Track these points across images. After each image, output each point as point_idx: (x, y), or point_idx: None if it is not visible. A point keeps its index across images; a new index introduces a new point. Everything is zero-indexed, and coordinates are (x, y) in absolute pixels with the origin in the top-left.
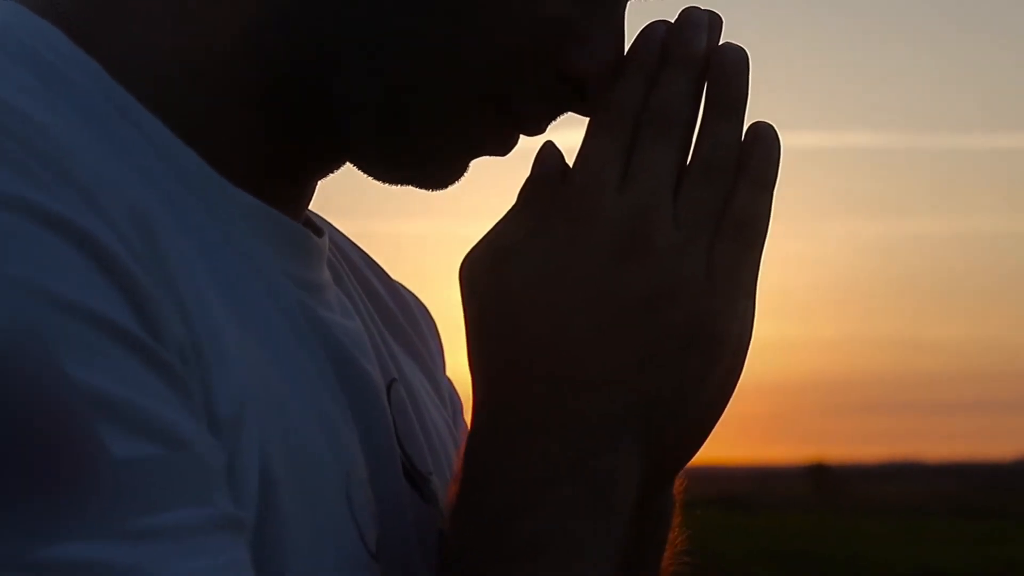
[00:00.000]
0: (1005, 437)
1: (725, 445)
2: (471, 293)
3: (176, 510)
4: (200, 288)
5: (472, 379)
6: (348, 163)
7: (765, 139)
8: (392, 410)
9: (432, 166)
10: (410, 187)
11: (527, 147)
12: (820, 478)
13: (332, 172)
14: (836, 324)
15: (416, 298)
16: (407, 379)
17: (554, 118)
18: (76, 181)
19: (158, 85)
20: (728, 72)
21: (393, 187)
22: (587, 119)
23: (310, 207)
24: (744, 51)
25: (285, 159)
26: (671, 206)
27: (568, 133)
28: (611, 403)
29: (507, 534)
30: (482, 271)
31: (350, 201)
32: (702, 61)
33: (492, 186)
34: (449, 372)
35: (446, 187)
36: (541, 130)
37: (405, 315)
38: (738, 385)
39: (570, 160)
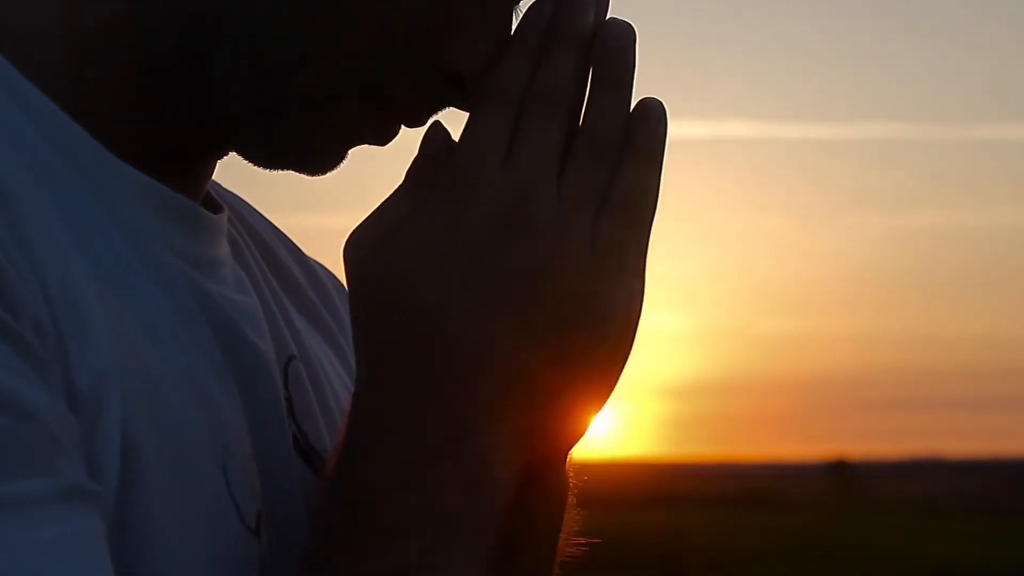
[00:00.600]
0: None
1: (745, 442)
2: (354, 269)
3: (19, 481)
4: (65, 262)
5: (356, 357)
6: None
7: (651, 115)
8: (288, 387)
9: (309, 154)
10: (291, 172)
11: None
12: (841, 475)
13: (227, 153)
14: (856, 319)
15: (331, 275)
16: (310, 356)
17: (435, 112)
18: None
19: (41, 57)
20: (613, 48)
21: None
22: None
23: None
24: (630, 26)
25: (173, 137)
26: (554, 183)
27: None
28: (487, 379)
29: (378, 510)
30: (364, 249)
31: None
32: (588, 38)
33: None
34: None
35: (325, 173)
36: (422, 123)
37: (317, 291)
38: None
39: None
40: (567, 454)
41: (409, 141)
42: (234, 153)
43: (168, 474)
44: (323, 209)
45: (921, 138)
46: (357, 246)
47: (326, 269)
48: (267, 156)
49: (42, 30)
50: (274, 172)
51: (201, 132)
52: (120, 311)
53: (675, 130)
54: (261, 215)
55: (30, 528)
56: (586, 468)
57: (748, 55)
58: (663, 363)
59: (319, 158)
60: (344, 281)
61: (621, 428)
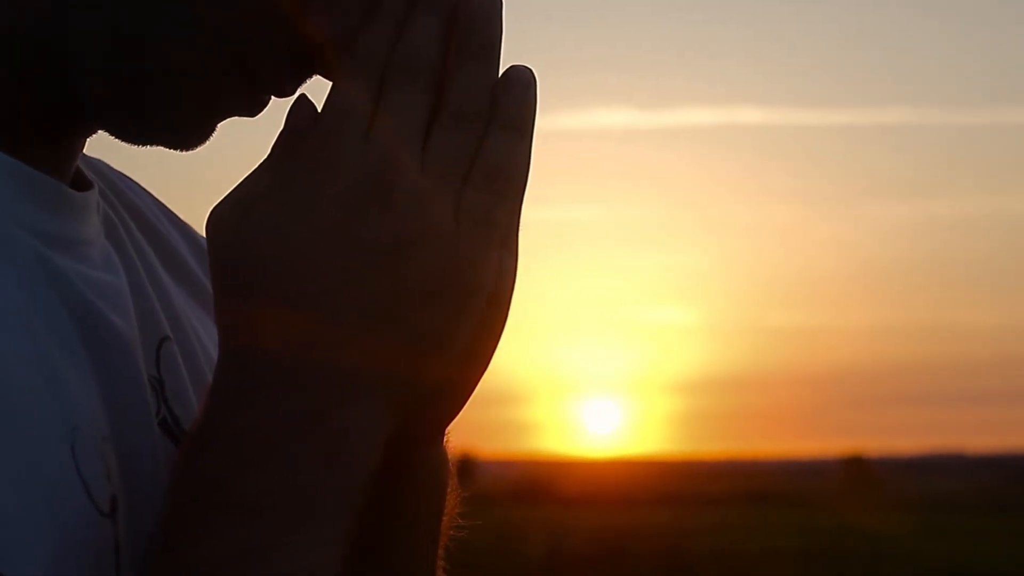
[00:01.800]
0: None
1: (758, 439)
2: (215, 246)
3: None
4: None
5: (218, 335)
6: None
7: (519, 83)
8: (160, 368)
9: (176, 127)
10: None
11: None
12: (856, 472)
13: (95, 131)
14: (870, 310)
15: None
16: (188, 336)
17: (300, 81)
18: None
19: None
20: (477, 15)
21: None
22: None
23: None
24: None
25: (34, 115)
26: (418, 153)
27: None
28: (348, 356)
29: (233, 487)
30: (223, 224)
31: None
32: (452, 6)
33: None
34: None
35: (193, 148)
36: (289, 93)
37: (203, 266)
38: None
39: None
40: (442, 435)
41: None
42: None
43: (7, 455)
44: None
45: (938, 123)
46: (217, 222)
47: None
48: (134, 132)
49: None
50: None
51: (64, 110)
52: None
53: (682, 116)
54: (149, 194)
55: None
56: (593, 465)
57: (758, 38)
58: (672, 358)
59: (186, 131)
60: None
61: (630, 425)
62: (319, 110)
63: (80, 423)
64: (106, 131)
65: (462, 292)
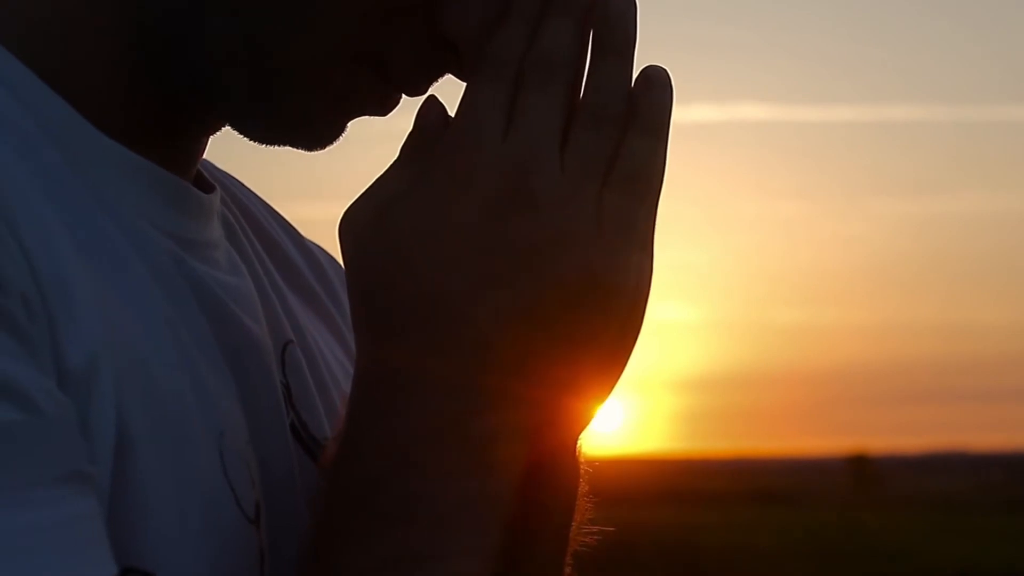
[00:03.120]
0: None
1: (762, 437)
2: (351, 247)
3: (23, 468)
4: (49, 238)
5: (355, 339)
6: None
7: (656, 84)
8: (286, 372)
9: (306, 127)
10: (288, 147)
11: None
12: (861, 470)
13: (219, 129)
14: (874, 308)
15: (332, 259)
16: (308, 342)
17: (434, 79)
18: None
19: (31, 36)
20: (613, 15)
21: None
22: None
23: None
24: None
25: (161, 114)
26: (556, 155)
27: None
28: (492, 361)
29: (382, 495)
30: (361, 225)
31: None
32: (587, 5)
33: None
34: None
35: (324, 147)
36: (421, 91)
37: (316, 275)
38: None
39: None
40: (577, 440)
41: (406, 126)
42: (226, 133)
43: (163, 460)
44: (324, 197)
45: (943, 119)
46: (352, 224)
47: (325, 252)
48: (265, 130)
49: (33, 12)
50: (272, 154)
51: (193, 108)
52: (108, 291)
53: (685, 113)
54: (257, 196)
55: (26, 512)
56: (597, 463)
57: (761, 34)
58: (675, 356)
59: (318, 130)
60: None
61: (633, 423)
62: (449, 111)
63: (225, 429)
64: (236, 129)
65: (604, 294)
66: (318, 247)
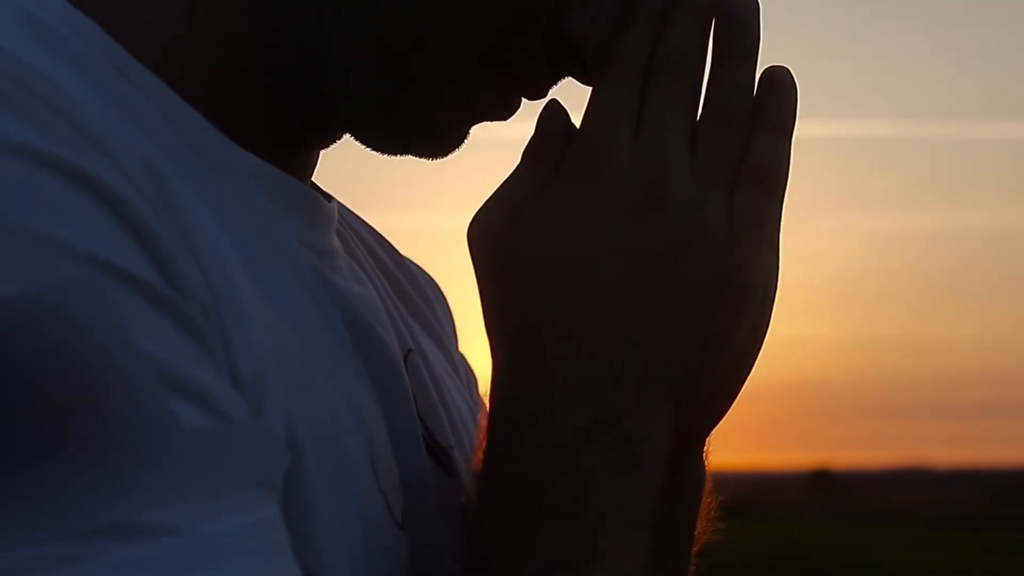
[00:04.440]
0: (1016, 442)
1: (725, 450)
2: (483, 253)
3: (217, 475)
4: (215, 245)
5: (491, 344)
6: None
7: (781, 83)
8: (410, 381)
9: (433, 134)
10: (409, 157)
11: (517, 136)
12: (824, 485)
13: (334, 142)
14: (840, 323)
15: (425, 273)
16: (423, 351)
17: (555, 81)
18: (89, 132)
19: (159, 45)
20: (737, 16)
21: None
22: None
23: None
24: None
25: (285, 124)
26: (687, 156)
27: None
28: (636, 360)
29: (534, 501)
30: (494, 229)
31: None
32: (709, 7)
33: (474, 177)
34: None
35: (447, 155)
36: (542, 94)
37: (416, 290)
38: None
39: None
40: (707, 437)
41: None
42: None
43: (325, 468)
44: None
45: (909, 136)
46: (483, 229)
47: (422, 269)
48: (389, 139)
49: (162, 21)
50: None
51: (317, 119)
52: (267, 300)
53: None
54: (351, 211)
55: (224, 517)
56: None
57: None
58: None
59: (444, 136)
60: (439, 281)
61: None
62: (570, 116)
63: (375, 436)
64: (358, 139)
65: (738, 293)
66: (412, 262)
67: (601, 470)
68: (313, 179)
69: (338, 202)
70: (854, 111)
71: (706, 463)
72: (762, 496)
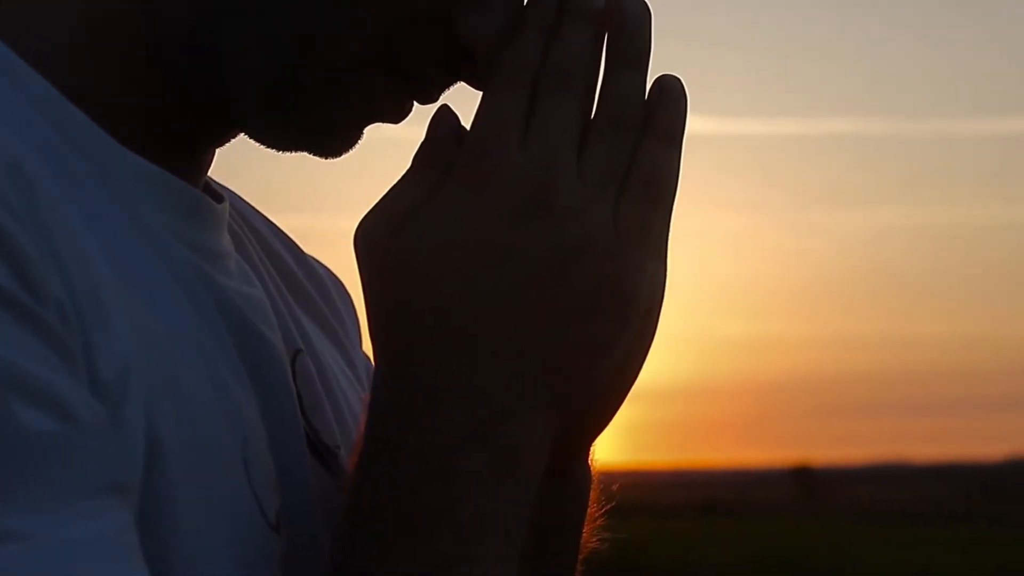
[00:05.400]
0: (995, 437)
1: (704, 449)
2: (368, 258)
3: (63, 480)
4: (80, 246)
5: (373, 348)
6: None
7: (670, 92)
8: (297, 381)
9: (325, 134)
10: (305, 154)
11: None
12: (803, 482)
13: (229, 140)
14: (817, 321)
15: (331, 272)
16: (315, 351)
17: (448, 86)
18: None
19: (54, 47)
20: (628, 24)
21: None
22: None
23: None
24: (645, 3)
25: (177, 124)
26: (574, 163)
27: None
28: (515, 369)
29: (408, 505)
30: (379, 235)
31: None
32: (601, 14)
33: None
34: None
35: (340, 155)
36: (434, 98)
37: (316, 288)
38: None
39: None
40: (590, 446)
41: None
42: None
43: (191, 469)
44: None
45: (886, 133)
46: (369, 235)
47: (326, 268)
48: (284, 138)
49: (47, 19)
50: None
51: (209, 117)
52: (136, 301)
53: None
54: (255, 209)
55: (69, 525)
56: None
57: (705, 48)
58: None
59: (337, 135)
60: (341, 278)
61: None
62: (461, 121)
63: (249, 436)
64: (252, 137)
65: (622, 302)
66: (317, 261)
67: (478, 476)
68: (218, 179)
69: (241, 200)
70: (832, 108)
71: (591, 469)
72: (743, 494)
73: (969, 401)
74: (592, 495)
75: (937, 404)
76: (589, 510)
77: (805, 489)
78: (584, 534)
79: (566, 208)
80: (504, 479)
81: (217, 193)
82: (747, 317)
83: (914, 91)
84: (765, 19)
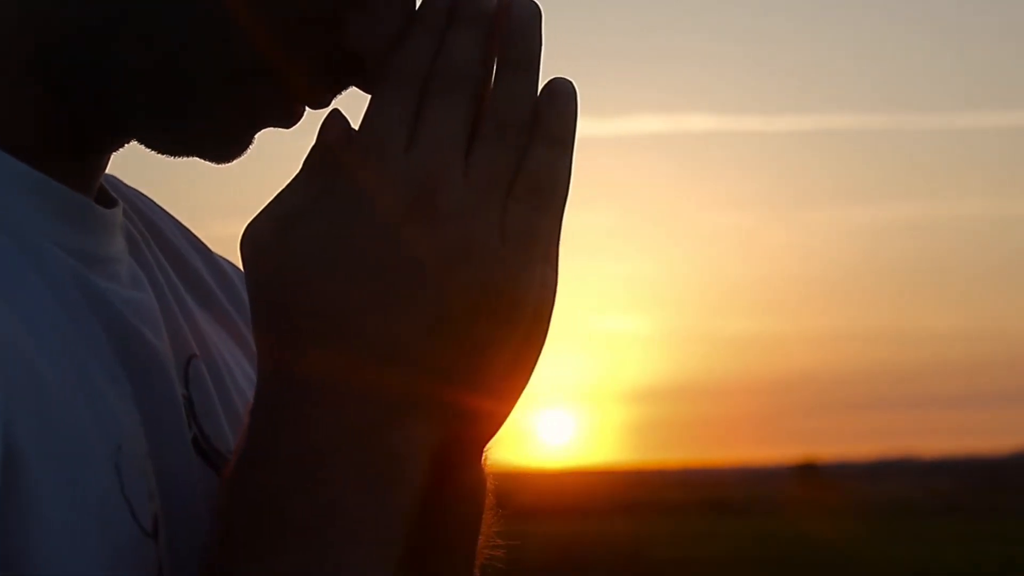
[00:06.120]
0: (1001, 431)
1: (712, 447)
2: (253, 261)
3: None
4: None
5: (257, 352)
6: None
7: (560, 96)
8: (189, 386)
9: (215, 141)
10: (196, 159)
11: None
12: (810, 478)
13: (122, 146)
14: (822, 317)
15: (241, 273)
16: (212, 354)
17: (337, 92)
18: None
19: None
20: (518, 27)
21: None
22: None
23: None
24: (536, 5)
25: (65, 131)
26: (461, 167)
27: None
28: (395, 374)
29: (280, 512)
30: (264, 238)
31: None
32: (491, 18)
33: None
34: None
35: (231, 160)
36: (325, 103)
37: (224, 288)
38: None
39: None
40: (483, 451)
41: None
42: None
43: (55, 476)
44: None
45: (890, 128)
46: (254, 239)
47: (235, 266)
48: (173, 141)
49: None
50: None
51: (96, 123)
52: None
53: (633, 124)
54: (166, 212)
55: None
56: (548, 477)
57: (707, 45)
58: (626, 367)
59: (226, 142)
60: None
61: (584, 435)
62: (352, 124)
63: (123, 442)
64: (142, 142)
65: (507, 305)
66: (227, 261)
67: (352, 485)
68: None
69: (150, 202)
70: (832, 104)
71: (484, 475)
72: (750, 491)
73: (975, 395)
74: (486, 501)
75: (942, 398)
76: (484, 517)
77: (811, 485)
78: (478, 541)
79: (450, 212)
80: (381, 487)
81: (111, 198)
82: (751, 314)
83: (916, 86)
84: (765, 17)
